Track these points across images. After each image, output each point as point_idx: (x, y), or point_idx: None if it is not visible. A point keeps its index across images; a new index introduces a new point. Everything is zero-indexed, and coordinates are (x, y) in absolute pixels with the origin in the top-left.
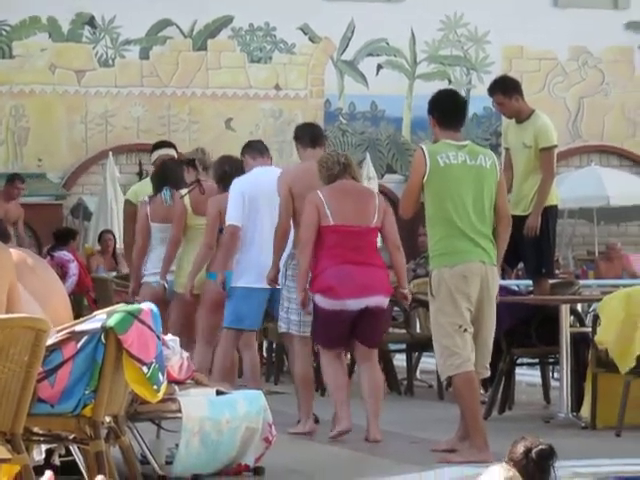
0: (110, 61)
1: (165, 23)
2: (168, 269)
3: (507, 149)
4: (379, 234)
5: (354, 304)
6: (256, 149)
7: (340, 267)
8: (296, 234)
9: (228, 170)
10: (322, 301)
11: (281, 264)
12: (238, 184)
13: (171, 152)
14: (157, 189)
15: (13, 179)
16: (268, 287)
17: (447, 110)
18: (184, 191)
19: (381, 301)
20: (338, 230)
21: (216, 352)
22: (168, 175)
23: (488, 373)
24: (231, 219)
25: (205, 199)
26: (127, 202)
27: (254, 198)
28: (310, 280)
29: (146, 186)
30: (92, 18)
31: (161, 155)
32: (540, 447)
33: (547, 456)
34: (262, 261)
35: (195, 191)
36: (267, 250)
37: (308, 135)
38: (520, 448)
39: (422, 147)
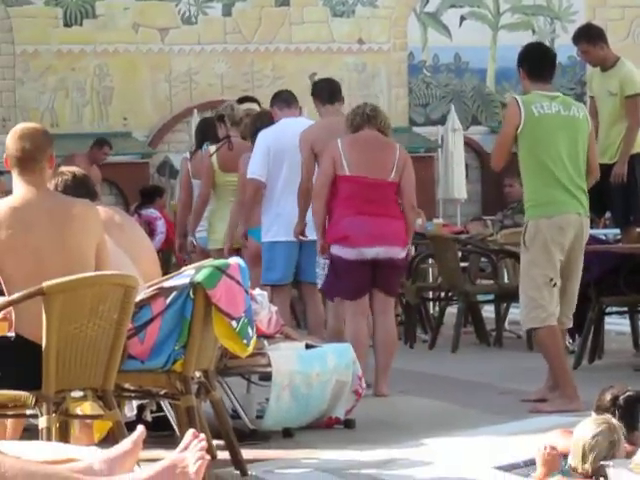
0: (193, 18)
1: None
2: (196, 225)
3: (592, 97)
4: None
5: (370, 252)
6: (283, 100)
7: (354, 217)
8: None
9: (259, 126)
10: (339, 250)
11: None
12: (263, 137)
13: (254, 107)
14: (198, 145)
15: (102, 144)
16: (295, 240)
17: (537, 61)
18: (213, 148)
19: (396, 252)
20: (353, 180)
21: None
22: (208, 130)
23: (571, 323)
24: (254, 173)
25: (233, 155)
26: None
27: (279, 151)
28: (326, 230)
29: None
30: None
31: (246, 110)
32: (628, 393)
33: (635, 402)
34: (287, 214)
35: (223, 148)
36: (292, 202)
37: (326, 91)
38: (608, 396)
39: (516, 97)
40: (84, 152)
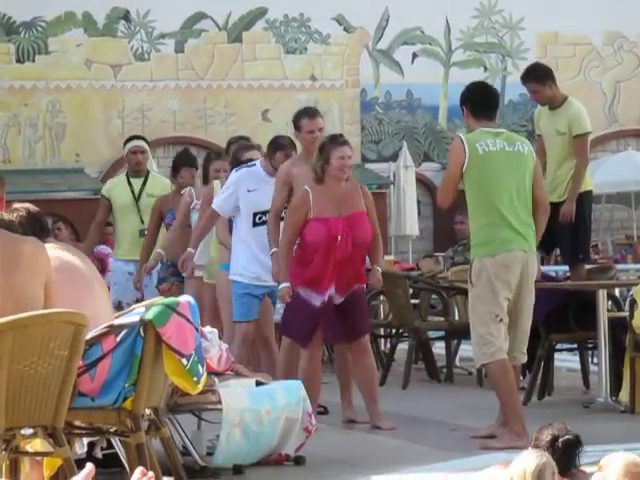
0: (146, 55)
1: (200, 16)
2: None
3: (539, 136)
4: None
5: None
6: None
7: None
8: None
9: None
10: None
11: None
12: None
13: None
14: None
15: None
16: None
17: (479, 100)
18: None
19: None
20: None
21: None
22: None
23: (525, 358)
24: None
25: None
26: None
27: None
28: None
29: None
30: (127, 12)
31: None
32: (567, 437)
33: (573, 446)
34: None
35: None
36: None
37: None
38: (546, 436)
39: (460, 136)
40: None
